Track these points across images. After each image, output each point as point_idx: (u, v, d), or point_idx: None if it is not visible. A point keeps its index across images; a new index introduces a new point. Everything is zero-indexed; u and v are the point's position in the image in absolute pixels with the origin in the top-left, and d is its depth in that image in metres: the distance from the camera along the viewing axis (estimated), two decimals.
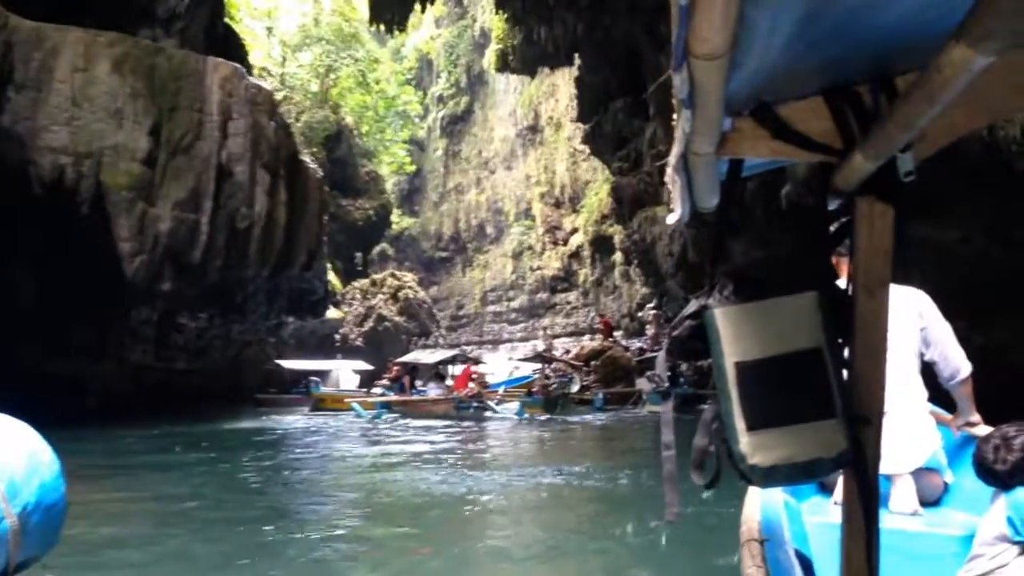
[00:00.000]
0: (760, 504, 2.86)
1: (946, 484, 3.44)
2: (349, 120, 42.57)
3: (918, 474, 3.34)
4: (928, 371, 3.44)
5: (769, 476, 1.39)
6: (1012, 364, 11.50)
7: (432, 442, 15.37)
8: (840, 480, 3.41)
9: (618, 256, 33.33)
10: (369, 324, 36.04)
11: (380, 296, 37.34)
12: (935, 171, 10.24)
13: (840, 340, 1.42)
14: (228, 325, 24.64)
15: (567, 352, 32.33)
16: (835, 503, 3.41)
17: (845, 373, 1.45)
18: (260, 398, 25.80)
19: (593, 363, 27.68)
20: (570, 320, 46.14)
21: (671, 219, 1.79)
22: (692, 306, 1.52)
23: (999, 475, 2.69)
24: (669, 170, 1.52)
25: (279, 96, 29.29)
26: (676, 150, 1.39)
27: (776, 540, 2.40)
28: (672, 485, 1.53)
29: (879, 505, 1.49)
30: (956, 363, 3.37)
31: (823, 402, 1.37)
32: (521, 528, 7.62)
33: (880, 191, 1.38)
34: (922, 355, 3.42)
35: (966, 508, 3.05)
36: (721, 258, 1.56)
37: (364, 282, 38.75)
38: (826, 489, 3.53)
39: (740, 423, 1.38)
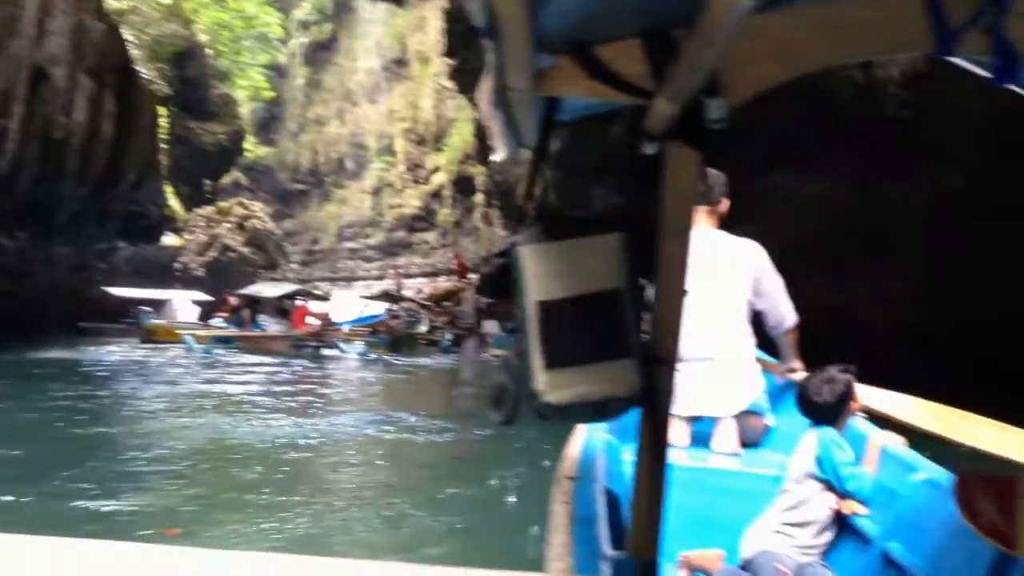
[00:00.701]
0: (582, 443, 2.94)
1: (767, 427, 3.67)
2: (203, 37, 39.85)
3: (741, 417, 3.54)
4: (756, 320, 3.64)
5: (563, 414, 1.40)
6: (868, 324, 12.23)
7: (257, 382, 14.74)
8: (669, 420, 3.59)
9: (479, 197, 33.34)
10: (212, 254, 34.47)
11: (225, 225, 35.70)
12: (801, 119, 10.49)
13: (640, 282, 1.45)
14: (51, 247, 22.76)
15: (419, 292, 32.23)
16: None
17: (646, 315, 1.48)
18: (84, 327, 24.07)
19: (444, 304, 27.76)
20: (428, 260, 45.94)
21: (497, 156, 1.75)
22: (504, 244, 1.51)
23: (820, 408, 2.90)
24: (486, 105, 1.48)
25: (124, 3, 26.96)
26: (488, 84, 1.35)
27: (588, 478, 2.47)
28: (465, 422, 1.52)
29: (668, 443, 1.54)
30: (783, 314, 3.57)
31: (619, 342, 1.39)
32: (340, 476, 7.36)
33: (687, 136, 1.40)
34: (752, 305, 3.60)
35: (784, 449, 3.22)
36: (533, 196, 1.55)
37: (209, 209, 36.89)
38: None
39: (538, 361, 1.38)
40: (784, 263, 3.63)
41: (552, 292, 1.38)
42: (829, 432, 2.82)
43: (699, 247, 3.77)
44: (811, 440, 2.86)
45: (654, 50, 1.38)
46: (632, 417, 2.50)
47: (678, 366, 3.76)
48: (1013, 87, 1.45)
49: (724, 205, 3.75)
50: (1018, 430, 2.31)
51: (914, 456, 2.79)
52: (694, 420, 3.59)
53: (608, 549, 1.61)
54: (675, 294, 1.47)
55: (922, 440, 2.65)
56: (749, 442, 3.56)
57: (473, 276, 33.80)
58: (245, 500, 6.49)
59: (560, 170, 13.35)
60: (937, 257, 10.92)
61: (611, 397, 1.40)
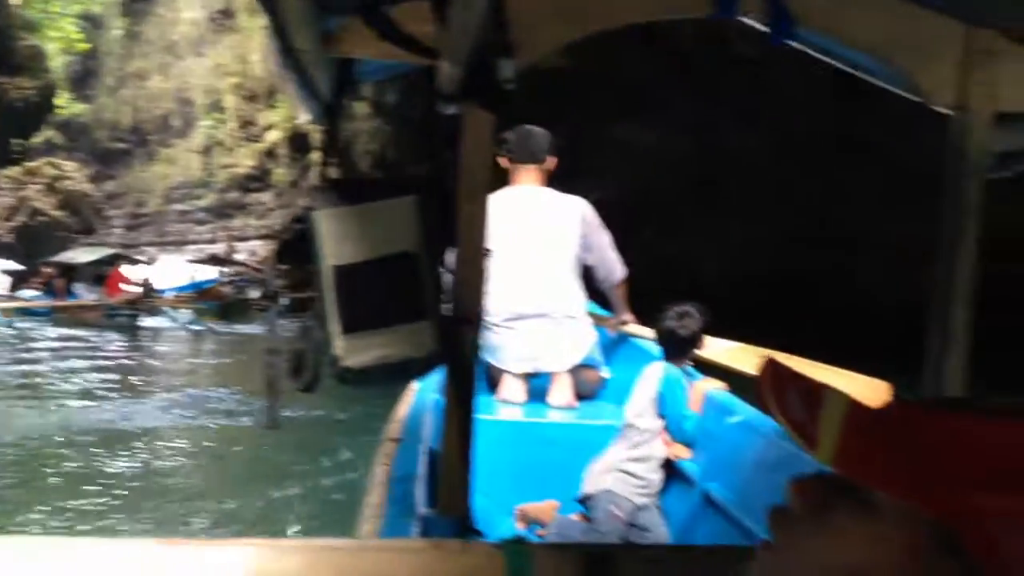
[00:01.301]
0: (411, 404, 2.94)
1: (602, 379, 3.80)
2: None
3: (576, 371, 3.65)
4: (586, 275, 3.75)
5: (363, 377, 1.40)
6: (706, 274, 12.66)
7: (47, 359, 13.08)
8: (504, 376, 3.65)
9: (315, 155, 32.30)
10: (20, 218, 31.64)
11: (34, 187, 32.77)
12: (647, 63, 10.59)
13: (436, 244, 1.46)
14: None
15: (253, 255, 30.95)
16: (498, 399, 3.63)
17: (447, 277, 1.49)
18: None
19: (282, 267, 26.78)
20: (264, 222, 43.98)
21: (301, 118, 1.70)
22: (301, 209, 1.47)
23: (681, 341, 3.04)
24: (275, 67, 1.43)
25: None
26: (271, 45, 1.30)
27: (413, 439, 2.48)
28: (271, 391, 1.49)
29: (477, 397, 1.58)
30: (611, 268, 3.70)
31: (416, 304, 1.40)
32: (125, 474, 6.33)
33: (479, 97, 1.41)
34: (581, 260, 3.71)
35: (620, 400, 3.33)
36: (330, 160, 1.52)
37: (15, 170, 33.70)
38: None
39: (336, 326, 1.37)
40: (624, 213, 3.76)
41: (348, 256, 1.37)
42: (674, 370, 2.95)
43: (526, 205, 3.84)
44: (653, 376, 2.97)
45: (438, 10, 1.38)
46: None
47: (512, 324, 3.84)
48: (792, 43, 1.56)
49: (551, 163, 3.82)
50: (850, 374, 2.44)
51: (734, 401, 2.94)
52: (530, 376, 3.68)
53: (423, 508, 1.63)
54: (475, 254, 1.49)
55: (749, 386, 2.84)
56: (585, 395, 3.69)
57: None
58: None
59: (397, 122, 12.88)
60: (777, 206, 11.34)
61: (411, 358, 1.41)
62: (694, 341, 3.06)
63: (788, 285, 11.61)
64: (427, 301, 1.40)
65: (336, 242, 1.37)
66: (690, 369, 3.39)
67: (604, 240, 3.69)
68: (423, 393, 3.07)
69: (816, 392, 0.52)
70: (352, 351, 1.36)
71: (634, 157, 11.90)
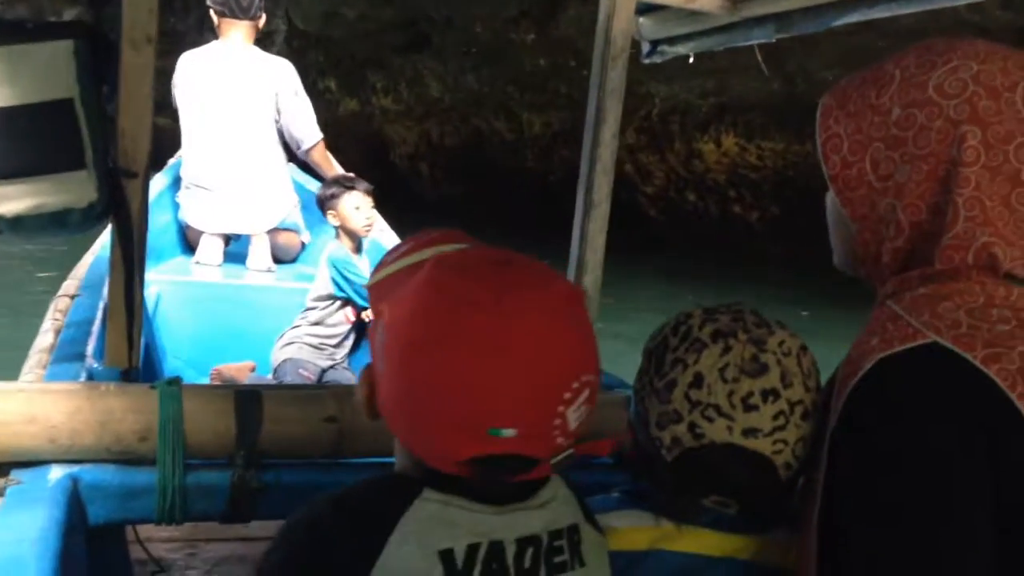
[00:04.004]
0: (91, 261, 2.79)
1: (303, 243, 3.82)
2: None
3: (274, 233, 3.65)
4: None
5: (16, 227, 1.36)
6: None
7: None
8: (202, 238, 3.55)
9: None
10: None
11: None
12: None
13: (97, 93, 1.41)
14: None
15: None
16: (196, 262, 3.55)
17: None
18: None
19: None
20: None
21: None
22: None
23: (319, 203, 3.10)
24: None
25: None
26: None
27: (93, 294, 2.38)
28: None
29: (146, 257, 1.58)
30: (303, 135, 3.64)
31: (74, 153, 1.37)
32: None
33: None
34: (278, 124, 3.63)
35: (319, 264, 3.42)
36: None
37: None
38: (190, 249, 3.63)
39: None
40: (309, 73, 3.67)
41: None
42: (338, 252, 3.00)
43: (228, 64, 3.69)
44: (323, 258, 3.04)
45: None
46: (154, 239, 2.42)
47: (208, 185, 3.73)
48: None
49: (262, 21, 3.67)
50: None
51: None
52: (230, 238, 3.64)
53: (91, 360, 1.63)
54: (140, 106, 1.46)
55: None
56: (284, 258, 3.72)
57: None
58: None
59: None
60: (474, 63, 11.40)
61: (69, 209, 1.38)
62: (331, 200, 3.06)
63: (484, 147, 12.35)
64: (88, 151, 1.37)
65: None
66: (390, 236, 3.54)
67: (299, 106, 3.60)
68: (106, 249, 2.94)
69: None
70: (4, 198, 1.31)
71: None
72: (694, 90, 9.73)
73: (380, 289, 0.79)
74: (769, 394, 0.87)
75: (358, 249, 3.08)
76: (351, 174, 3.26)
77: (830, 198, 0.97)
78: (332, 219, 3.04)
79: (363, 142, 12.74)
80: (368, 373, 0.80)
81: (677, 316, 0.97)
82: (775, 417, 0.87)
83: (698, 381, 0.89)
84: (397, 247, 0.84)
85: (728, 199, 11.08)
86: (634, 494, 0.99)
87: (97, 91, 1.40)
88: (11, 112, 1.32)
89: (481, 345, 0.69)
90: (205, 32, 3.98)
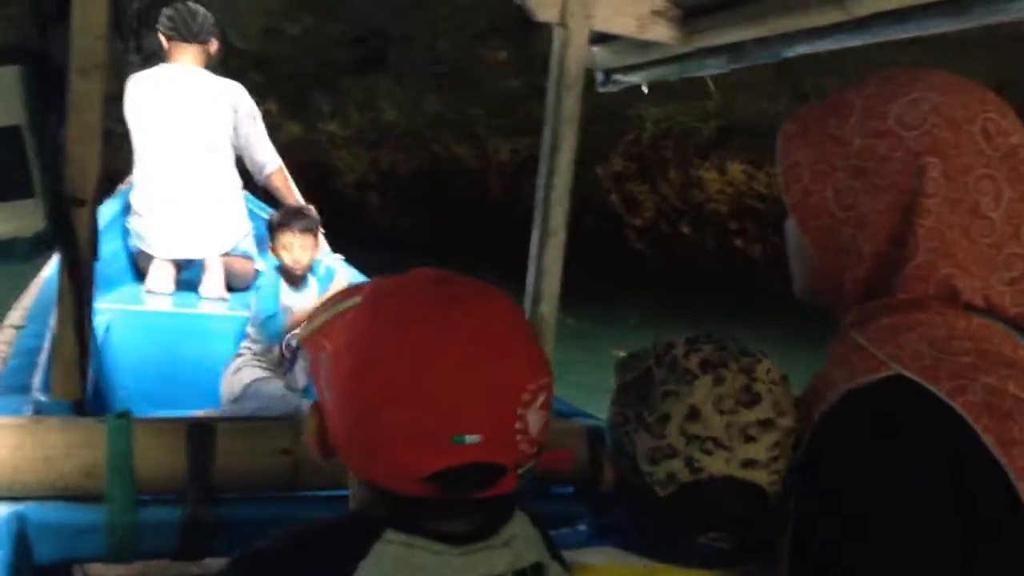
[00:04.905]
0: (38, 292, 2.73)
1: (257, 271, 3.76)
2: None
3: (228, 260, 3.58)
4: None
5: None
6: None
7: None
8: (153, 264, 3.48)
9: None
10: None
11: None
12: None
13: (45, 120, 1.38)
14: None
15: None
16: (147, 290, 3.47)
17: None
18: None
19: None
20: None
21: None
22: None
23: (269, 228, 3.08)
24: None
25: None
26: None
27: (39, 326, 2.33)
28: None
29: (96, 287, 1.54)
30: (262, 160, 3.59)
31: (22, 181, 1.33)
32: None
33: None
34: (235, 148, 3.58)
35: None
36: None
37: None
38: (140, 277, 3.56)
39: None
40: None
41: None
42: (265, 280, 3.05)
43: (179, 87, 3.63)
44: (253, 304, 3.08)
45: None
46: (104, 267, 2.37)
47: (159, 209, 3.65)
48: None
49: (213, 46, 3.64)
50: None
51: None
52: (181, 265, 3.56)
53: (38, 393, 1.58)
54: (88, 133, 1.44)
55: None
56: (238, 286, 3.64)
57: None
58: None
59: None
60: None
61: (17, 237, 1.35)
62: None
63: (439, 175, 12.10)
64: (35, 179, 1.33)
65: None
66: (336, 261, 3.52)
67: (254, 130, 3.56)
68: (54, 279, 2.88)
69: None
70: None
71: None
72: (693, 112, 9.23)
73: (315, 337, 0.78)
74: (765, 424, 0.86)
75: (297, 282, 3.07)
76: (307, 205, 3.25)
77: (791, 226, 0.98)
78: (271, 251, 3.05)
79: (305, 170, 12.61)
80: (315, 409, 0.78)
81: (655, 346, 0.94)
82: (771, 447, 0.86)
83: (694, 414, 0.87)
84: (327, 301, 0.83)
85: (728, 232, 10.43)
86: (603, 528, 0.97)
87: (45, 118, 1.37)
88: None
89: (432, 355, 0.69)
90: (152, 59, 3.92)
